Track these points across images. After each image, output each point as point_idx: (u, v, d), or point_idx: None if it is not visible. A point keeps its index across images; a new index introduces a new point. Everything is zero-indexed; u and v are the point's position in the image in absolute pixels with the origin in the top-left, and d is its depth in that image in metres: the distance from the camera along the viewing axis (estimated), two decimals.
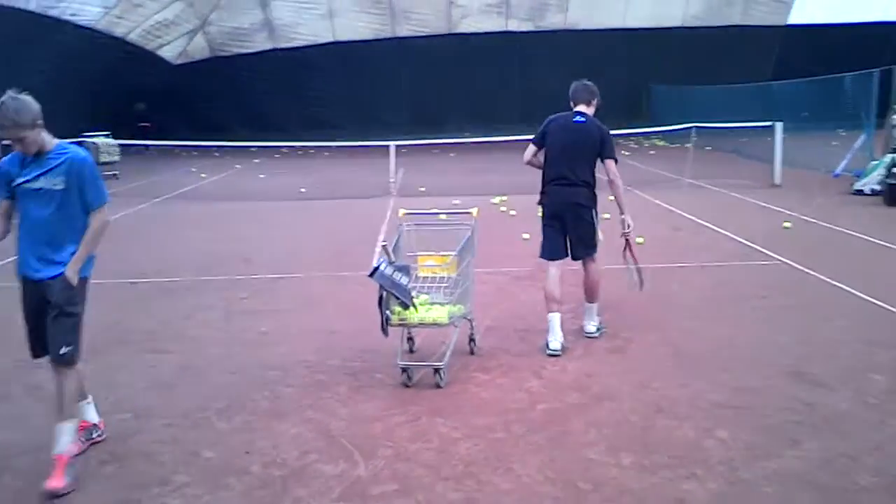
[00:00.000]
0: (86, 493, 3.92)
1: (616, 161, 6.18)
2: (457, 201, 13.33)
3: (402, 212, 5.83)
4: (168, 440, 4.52)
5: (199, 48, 29.68)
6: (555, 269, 6.15)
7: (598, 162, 6.20)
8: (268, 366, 5.73)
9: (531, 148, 6.35)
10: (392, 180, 15.22)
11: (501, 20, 30.05)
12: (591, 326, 6.31)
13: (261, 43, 29.99)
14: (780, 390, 5.04)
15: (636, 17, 29.68)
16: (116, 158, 19.02)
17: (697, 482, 3.89)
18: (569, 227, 6.13)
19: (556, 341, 5.87)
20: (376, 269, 5.10)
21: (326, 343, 6.25)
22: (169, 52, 29.02)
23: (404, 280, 5.12)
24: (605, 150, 6.14)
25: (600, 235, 6.21)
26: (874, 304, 6.92)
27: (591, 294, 6.29)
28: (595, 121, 6.27)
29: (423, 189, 15.57)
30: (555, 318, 5.95)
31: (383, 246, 5.24)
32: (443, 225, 5.99)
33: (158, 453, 4.35)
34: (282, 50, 30.03)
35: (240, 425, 4.71)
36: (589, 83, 6.42)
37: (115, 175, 18.05)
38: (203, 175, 20.07)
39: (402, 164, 15.73)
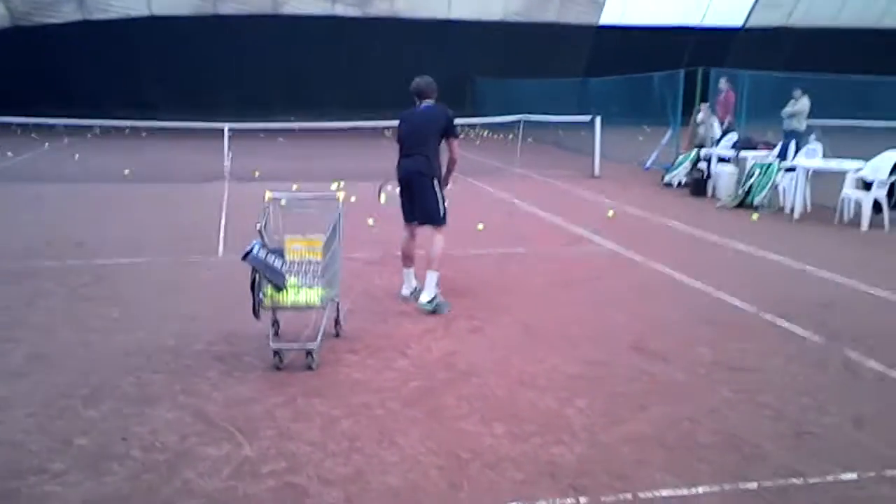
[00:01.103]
0: None
1: (457, 138, 6.93)
2: (295, 186, 13.24)
3: (268, 194, 5.84)
4: (34, 429, 4.34)
5: None
6: (407, 231, 7.05)
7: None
8: (127, 352, 5.57)
9: (397, 146, 6.97)
10: (226, 164, 14.85)
11: (328, 4, 29.80)
12: (423, 297, 6.72)
13: (69, 14, 27.94)
14: (625, 363, 5.55)
15: (460, 10, 30.45)
16: None
17: (565, 447, 4.26)
18: (414, 195, 6.83)
19: (406, 289, 6.98)
20: (249, 251, 5.11)
21: (186, 328, 6.15)
22: None
23: (278, 263, 5.17)
24: (450, 129, 6.83)
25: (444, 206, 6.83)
26: (691, 284, 7.69)
27: (432, 261, 6.79)
28: (442, 106, 6.98)
29: (257, 174, 15.31)
30: (407, 272, 7.04)
31: (258, 229, 5.25)
32: (309, 208, 6.05)
33: (26, 443, 4.18)
34: (93, 22, 28.14)
35: (109, 412, 4.59)
36: (429, 78, 7.04)
37: None
38: (9, 154, 18.60)
39: (230, 148, 15.34)
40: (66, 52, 28.15)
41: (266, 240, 5.28)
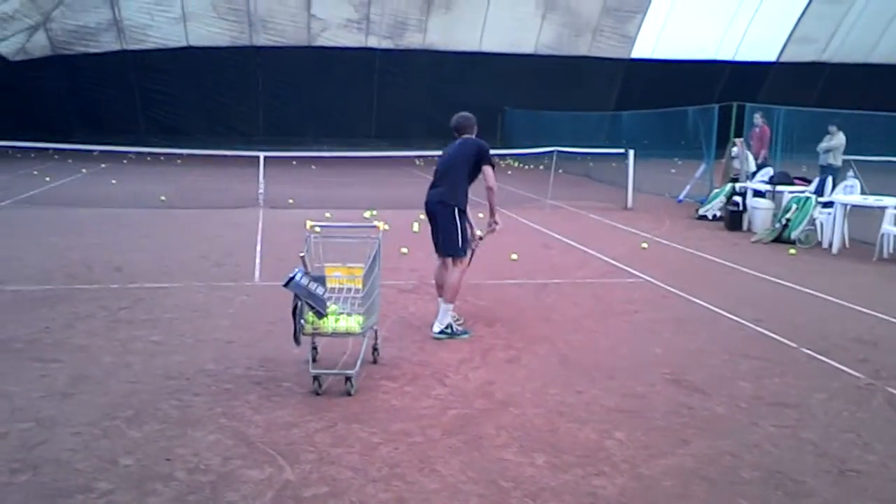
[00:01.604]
0: (2, 502, 3.77)
1: (493, 167, 6.84)
2: (328, 214, 13.38)
3: (309, 223, 5.90)
4: (80, 448, 4.39)
5: (39, 46, 27.89)
6: (439, 261, 6.96)
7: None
8: (168, 375, 5.63)
9: None
10: (261, 191, 15.03)
11: (361, 36, 30.23)
12: (436, 326, 6.77)
13: (108, 43, 28.59)
14: (663, 396, 5.52)
15: (491, 42, 30.74)
16: None
17: (606, 478, 4.24)
18: (436, 225, 6.82)
19: (437, 325, 6.76)
20: (292, 278, 5.16)
21: (224, 352, 6.20)
22: (6, 48, 27.14)
23: (320, 290, 5.22)
24: (482, 158, 6.78)
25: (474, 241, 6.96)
26: (728, 317, 7.64)
27: (445, 292, 6.81)
28: (477, 139, 6.98)
29: (291, 201, 15.47)
30: (440, 303, 6.83)
31: (301, 256, 5.30)
32: (350, 237, 6.10)
33: (72, 461, 4.23)
34: (131, 52, 28.78)
35: (153, 433, 4.64)
36: (468, 114, 7.07)
37: None
38: (48, 178, 18.97)
39: (264, 175, 15.53)
40: (104, 80, 28.82)
41: (308, 267, 5.33)
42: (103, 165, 22.63)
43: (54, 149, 21.97)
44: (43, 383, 5.40)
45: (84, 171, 21.43)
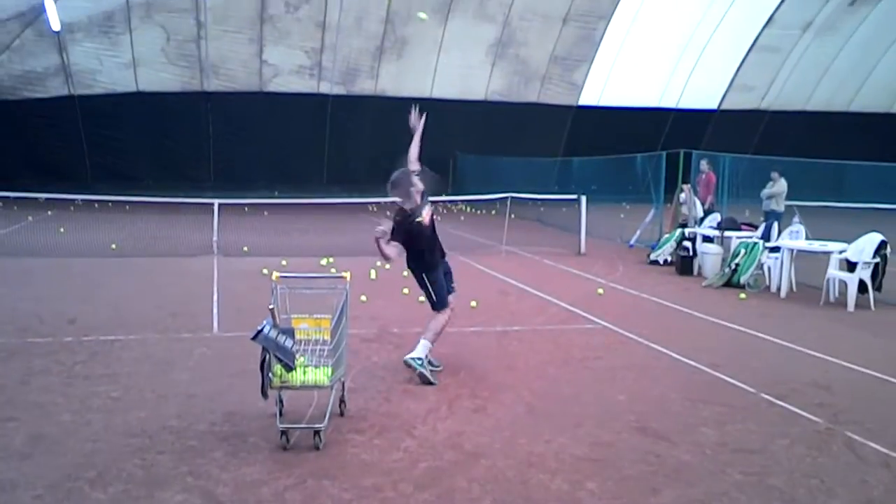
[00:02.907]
0: None
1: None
2: (284, 262, 13.28)
3: (275, 274, 5.87)
4: None
5: None
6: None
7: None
8: (130, 432, 5.50)
9: None
10: (215, 238, 14.87)
11: (313, 82, 30.34)
12: (412, 353, 6.92)
13: (55, 88, 28.20)
14: (630, 444, 5.57)
15: (442, 88, 31.12)
16: None
17: None
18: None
19: (414, 353, 6.88)
20: (260, 331, 5.12)
21: (187, 407, 6.09)
22: None
23: (289, 343, 5.18)
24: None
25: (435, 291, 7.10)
26: (687, 363, 7.77)
27: (426, 331, 7.03)
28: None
29: (246, 249, 15.33)
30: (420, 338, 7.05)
31: (270, 308, 5.27)
32: (317, 288, 6.08)
33: None
34: (78, 97, 28.41)
35: (118, 495, 4.52)
36: (392, 179, 7.04)
37: None
38: None
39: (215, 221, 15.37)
40: (51, 126, 28.31)
41: (277, 319, 5.29)
42: (50, 213, 22.14)
43: None
44: None
45: (30, 218, 20.97)
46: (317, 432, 5.28)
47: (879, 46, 33.88)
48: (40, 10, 25.20)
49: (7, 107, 27.83)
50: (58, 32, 26.14)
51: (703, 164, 17.14)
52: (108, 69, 28.25)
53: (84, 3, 25.94)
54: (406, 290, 10.60)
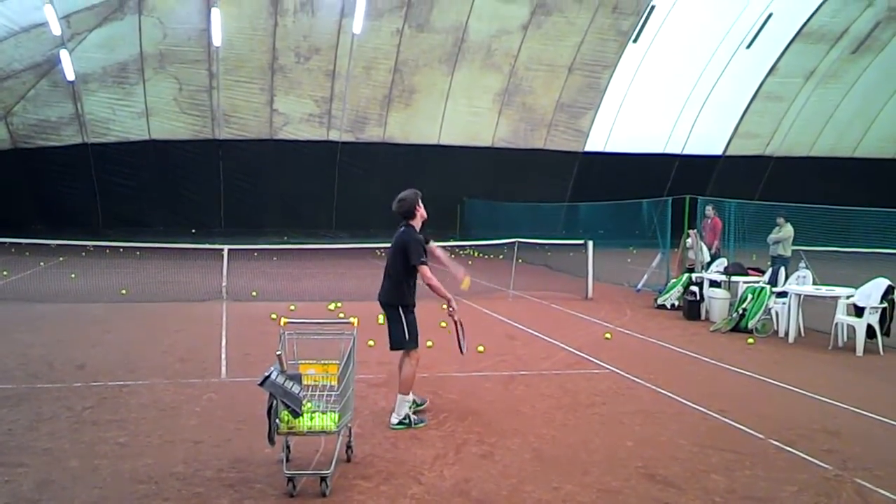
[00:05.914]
0: None
1: (423, 264, 6.86)
2: (293, 307, 13.35)
3: (283, 320, 5.93)
4: None
5: None
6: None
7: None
8: (137, 479, 5.52)
9: None
10: (224, 283, 14.95)
11: (323, 130, 30.73)
12: (393, 418, 6.88)
13: (69, 137, 28.66)
14: (638, 491, 5.55)
15: (450, 135, 31.46)
16: None
17: None
18: (386, 320, 7.02)
19: (395, 416, 6.88)
20: (267, 377, 5.16)
21: (193, 454, 6.10)
22: None
23: (296, 389, 5.21)
24: (409, 257, 6.85)
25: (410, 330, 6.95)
26: (695, 408, 7.75)
27: (400, 385, 6.96)
28: (407, 230, 7.01)
29: (254, 293, 15.42)
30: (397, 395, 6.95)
31: (277, 355, 5.31)
32: (324, 334, 6.13)
33: None
34: (91, 145, 28.84)
35: None
36: (403, 195, 7.11)
37: None
38: (5, 273, 18.66)
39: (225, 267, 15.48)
40: (64, 173, 28.73)
41: (284, 365, 5.33)
42: (61, 258, 22.32)
43: (10, 242, 21.62)
44: (7, 489, 5.25)
45: (42, 264, 21.14)
46: (323, 478, 5.29)
47: (882, 94, 34.16)
48: (55, 61, 25.72)
49: (22, 155, 28.32)
50: (72, 82, 26.62)
51: (709, 210, 17.21)
52: (121, 118, 28.73)
53: (99, 54, 26.45)
54: None
